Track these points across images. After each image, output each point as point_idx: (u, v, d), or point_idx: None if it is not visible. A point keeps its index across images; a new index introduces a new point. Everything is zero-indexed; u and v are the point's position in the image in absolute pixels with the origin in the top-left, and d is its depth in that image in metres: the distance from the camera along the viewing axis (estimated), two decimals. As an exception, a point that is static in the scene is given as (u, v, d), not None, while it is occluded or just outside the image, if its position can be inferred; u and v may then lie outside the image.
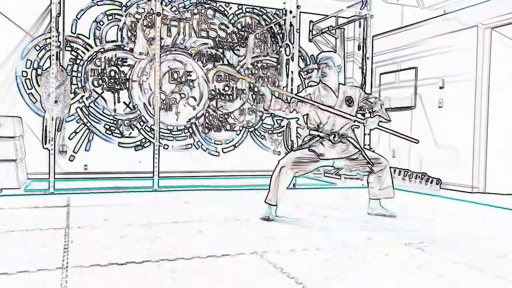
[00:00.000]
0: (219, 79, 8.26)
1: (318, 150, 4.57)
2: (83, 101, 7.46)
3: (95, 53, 7.51)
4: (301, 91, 5.02)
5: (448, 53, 7.02)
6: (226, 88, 8.32)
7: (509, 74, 6.63)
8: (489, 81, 6.65)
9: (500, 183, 6.57)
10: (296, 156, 4.56)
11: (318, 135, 4.60)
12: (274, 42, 8.64)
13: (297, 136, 7.26)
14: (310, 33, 8.63)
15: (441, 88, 7.13)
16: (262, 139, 8.60)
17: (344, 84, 4.78)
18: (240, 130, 8.45)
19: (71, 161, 7.38)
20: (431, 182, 7.02)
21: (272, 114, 8.44)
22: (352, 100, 4.63)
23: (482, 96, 6.67)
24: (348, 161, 4.68)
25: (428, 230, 4.10)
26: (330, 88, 4.62)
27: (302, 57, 8.76)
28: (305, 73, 8.88)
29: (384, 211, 4.71)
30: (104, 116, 7.57)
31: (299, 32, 7.21)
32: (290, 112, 4.64)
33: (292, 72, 7.17)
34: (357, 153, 4.65)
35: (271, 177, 4.53)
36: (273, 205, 4.46)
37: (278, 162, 4.61)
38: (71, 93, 7.30)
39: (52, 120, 6.06)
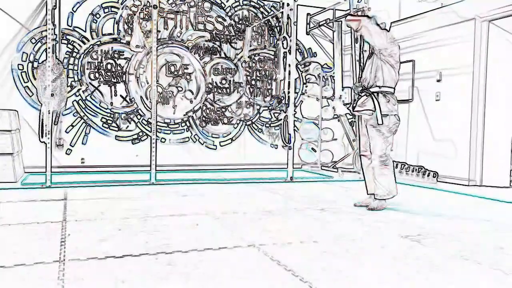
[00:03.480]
0: (216, 72, 8.24)
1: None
2: (79, 95, 7.44)
3: (91, 46, 7.47)
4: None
5: (446, 46, 7.02)
6: (223, 82, 8.30)
7: (506, 67, 6.63)
8: (486, 74, 6.65)
9: (496, 176, 6.59)
10: (358, 136, 4.94)
11: (358, 93, 4.89)
12: (272, 35, 8.61)
13: (294, 130, 7.26)
14: (308, 26, 8.60)
15: (438, 81, 7.13)
16: (260, 132, 8.60)
17: None
18: (238, 124, 8.44)
19: (68, 154, 7.37)
20: (428, 175, 7.03)
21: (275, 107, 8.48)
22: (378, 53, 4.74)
23: (479, 89, 6.67)
24: (364, 121, 4.81)
25: (425, 223, 4.11)
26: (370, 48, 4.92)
27: (300, 50, 8.74)
28: (303, 66, 8.86)
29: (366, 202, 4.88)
30: (101, 110, 7.54)
31: (297, 25, 7.18)
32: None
33: (289, 65, 7.16)
34: (370, 111, 4.68)
35: None
36: (369, 194, 4.86)
37: None
38: (67, 86, 7.27)
39: (49, 113, 6.04)
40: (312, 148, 8.83)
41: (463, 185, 6.65)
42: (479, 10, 6.55)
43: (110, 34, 7.57)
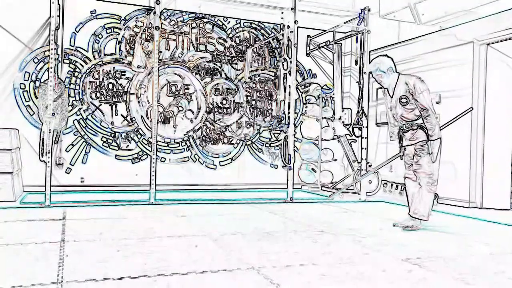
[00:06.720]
0: (217, 93, 8.29)
1: (401, 141, 5.02)
2: (80, 114, 7.47)
3: (93, 65, 7.53)
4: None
5: (445, 68, 7.07)
6: (224, 102, 8.34)
7: (505, 89, 6.67)
8: (485, 96, 6.68)
9: (497, 198, 6.57)
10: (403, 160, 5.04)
11: (401, 129, 5.01)
12: (272, 56, 8.69)
13: (294, 150, 7.27)
14: (308, 47, 8.69)
15: (437, 103, 7.15)
16: (260, 152, 8.60)
17: (405, 75, 5.01)
18: (238, 143, 8.45)
19: (68, 173, 7.36)
20: (428, 197, 6.99)
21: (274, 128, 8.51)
22: (407, 99, 4.87)
23: (478, 111, 6.70)
24: (413, 151, 4.95)
25: (426, 246, 4.08)
26: (387, 90, 5.05)
27: (300, 71, 8.81)
28: (303, 87, 8.92)
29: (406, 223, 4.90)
30: (101, 129, 7.56)
31: (297, 47, 7.25)
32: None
33: (289, 86, 7.21)
34: (423, 141, 4.86)
35: None
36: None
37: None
38: (68, 106, 7.30)
39: (49, 132, 6.05)
40: (312, 169, 8.82)
41: (463, 207, 6.63)
42: (477, 33, 6.63)
43: (112, 54, 7.64)
